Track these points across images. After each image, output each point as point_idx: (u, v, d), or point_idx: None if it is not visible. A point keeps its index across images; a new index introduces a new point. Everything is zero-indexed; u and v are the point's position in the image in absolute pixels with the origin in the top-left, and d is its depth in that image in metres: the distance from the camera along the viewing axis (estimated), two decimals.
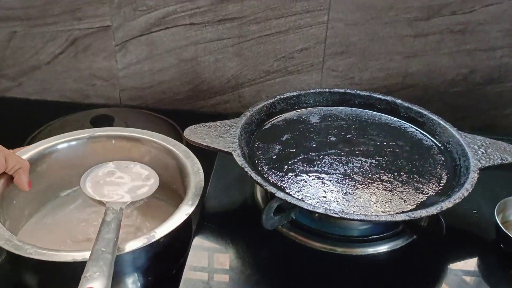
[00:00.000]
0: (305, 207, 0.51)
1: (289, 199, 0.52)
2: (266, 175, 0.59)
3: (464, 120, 0.95)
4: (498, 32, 0.87)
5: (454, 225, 0.60)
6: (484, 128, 0.96)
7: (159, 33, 0.94)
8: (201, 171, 0.65)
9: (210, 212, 0.65)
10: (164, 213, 0.63)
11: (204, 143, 0.60)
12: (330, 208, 0.54)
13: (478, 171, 0.58)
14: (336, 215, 0.51)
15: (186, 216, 0.56)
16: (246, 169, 0.56)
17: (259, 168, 0.60)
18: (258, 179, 0.55)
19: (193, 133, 0.62)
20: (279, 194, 0.53)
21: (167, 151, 0.69)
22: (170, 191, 0.70)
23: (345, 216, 0.51)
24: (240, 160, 0.57)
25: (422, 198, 0.57)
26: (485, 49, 0.89)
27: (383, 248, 0.58)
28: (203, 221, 0.64)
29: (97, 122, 0.89)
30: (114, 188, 0.62)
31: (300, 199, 0.55)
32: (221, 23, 0.92)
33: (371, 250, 0.58)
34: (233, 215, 0.66)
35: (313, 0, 0.88)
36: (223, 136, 0.62)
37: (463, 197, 0.53)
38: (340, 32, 0.90)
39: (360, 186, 0.58)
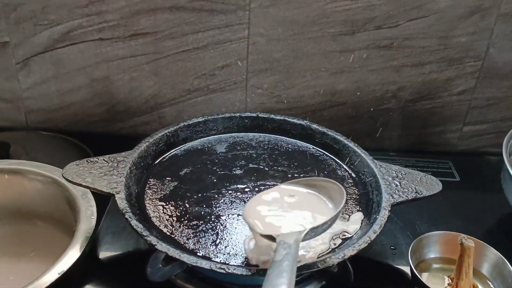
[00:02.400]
0: (187, 261, 0.44)
1: (170, 251, 0.45)
2: (154, 220, 0.52)
3: (395, 139, 0.91)
4: (425, 47, 0.83)
5: (370, 264, 0.54)
6: (416, 145, 0.92)
7: (64, 50, 0.85)
8: (94, 216, 0.58)
9: (100, 258, 0.58)
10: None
11: (84, 184, 0.53)
12: (218, 261, 0.47)
13: (390, 208, 0.52)
14: (222, 271, 0.44)
15: (59, 276, 0.49)
16: (126, 215, 0.49)
17: (147, 211, 0.53)
18: (139, 227, 0.47)
19: (74, 171, 0.54)
20: (160, 246, 0.46)
21: (60, 188, 0.61)
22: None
23: (233, 272, 0.44)
24: (122, 204, 0.50)
25: None
26: (413, 64, 0.85)
27: None
28: (93, 270, 0.56)
29: None
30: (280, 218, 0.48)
31: (187, 249, 0.48)
32: (133, 38, 0.84)
33: None
34: (126, 263, 0.58)
35: (232, 14, 0.82)
36: (109, 174, 0.54)
37: (369, 241, 0.48)
38: (262, 48, 0.84)
39: None
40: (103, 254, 0.59)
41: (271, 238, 0.44)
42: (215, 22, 0.82)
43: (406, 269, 0.56)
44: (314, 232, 0.45)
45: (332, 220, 0.45)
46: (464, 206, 0.68)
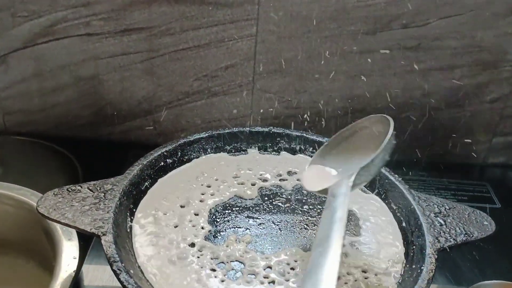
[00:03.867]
0: None
1: None
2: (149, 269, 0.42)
3: (418, 150, 0.82)
4: (457, 49, 0.74)
5: None
6: (440, 157, 0.83)
7: (47, 45, 0.75)
8: (76, 250, 0.49)
9: None
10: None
11: (63, 221, 0.43)
12: None
13: (436, 255, 0.43)
14: None
15: None
16: (114, 266, 0.39)
17: (141, 259, 0.43)
18: (130, 283, 0.38)
19: (51, 203, 0.44)
20: None
21: (36, 215, 0.52)
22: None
23: None
24: (109, 250, 0.40)
25: None
26: (441, 68, 0.76)
27: None
28: None
29: None
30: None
31: None
32: (125, 33, 0.74)
33: None
34: None
35: (238, 8, 0.72)
36: (94, 208, 0.44)
37: None
38: (272, 47, 0.75)
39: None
40: None
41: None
42: (219, 17, 0.73)
43: None
44: (367, 171, 0.43)
45: (384, 152, 0.44)
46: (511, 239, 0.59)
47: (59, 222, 0.43)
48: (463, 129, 0.80)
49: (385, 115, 0.49)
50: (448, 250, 0.45)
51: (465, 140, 0.81)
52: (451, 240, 0.45)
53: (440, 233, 0.45)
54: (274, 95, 0.79)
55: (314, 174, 0.47)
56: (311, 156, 0.57)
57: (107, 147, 0.82)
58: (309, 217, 0.50)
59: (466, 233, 0.45)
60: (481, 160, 0.83)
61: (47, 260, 0.52)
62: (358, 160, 0.44)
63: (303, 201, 0.53)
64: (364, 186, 0.54)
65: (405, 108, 0.79)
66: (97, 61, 0.76)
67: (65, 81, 0.78)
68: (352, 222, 0.50)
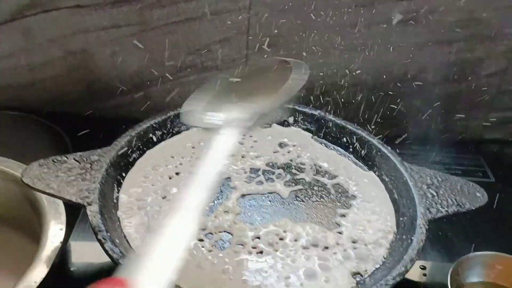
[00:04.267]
0: None
1: None
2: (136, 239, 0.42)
3: (414, 126, 0.81)
4: (454, 23, 0.72)
5: None
6: (438, 133, 0.82)
7: (36, 18, 0.73)
8: (63, 222, 0.48)
9: (73, 271, 0.48)
10: None
11: (48, 191, 0.42)
12: None
13: (427, 226, 0.42)
14: None
15: None
16: (99, 235, 0.38)
17: (127, 229, 0.43)
18: (115, 252, 0.37)
19: (36, 173, 0.43)
20: None
21: (21, 187, 0.51)
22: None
23: None
24: (94, 220, 0.40)
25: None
26: (438, 42, 0.74)
27: None
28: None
29: None
30: None
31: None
32: (115, 6, 0.72)
33: None
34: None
35: None
36: (80, 179, 0.44)
37: (405, 272, 0.38)
38: (266, 21, 0.73)
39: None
40: (76, 266, 0.50)
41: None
42: None
43: None
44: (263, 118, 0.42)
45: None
46: (503, 212, 0.59)
47: (43, 192, 0.43)
48: (459, 104, 0.79)
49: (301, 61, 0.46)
50: (445, 220, 0.44)
51: (461, 115, 0.80)
52: (443, 211, 0.44)
53: (431, 204, 0.45)
54: None
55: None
56: (303, 129, 0.57)
57: (98, 123, 0.81)
58: (299, 189, 0.50)
59: (458, 204, 0.45)
60: (477, 135, 0.82)
61: (35, 231, 0.51)
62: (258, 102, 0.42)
63: (294, 173, 0.52)
64: (356, 157, 0.53)
65: (402, 83, 0.78)
66: (87, 34, 0.75)
67: (54, 55, 0.77)
68: (343, 193, 0.49)
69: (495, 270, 0.46)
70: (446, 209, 0.44)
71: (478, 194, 0.46)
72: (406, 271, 0.38)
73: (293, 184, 0.51)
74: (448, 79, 0.77)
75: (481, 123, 0.81)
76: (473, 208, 0.45)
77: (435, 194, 0.46)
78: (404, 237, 0.43)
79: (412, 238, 0.41)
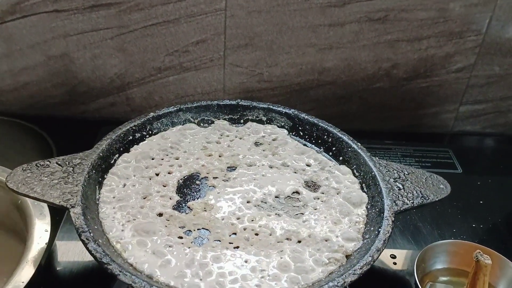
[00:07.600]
0: None
1: (136, 283, 0.37)
2: (117, 238, 0.44)
3: (387, 120, 0.84)
4: (423, 20, 0.75)
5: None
6: (409, 127, 0.85)
7: (15, 24, 0.74)
8: (48, 222, 0.50)
9: (58, 270, 0.50)
10: None
11: (32, 195, 0.44)
12: None
13: (393, 217, 0.45)
14: None
15: None
16: (82, 236, 0.40)
17: (112, 230, 0.44)
18: (98, 252, 0.39)
19: (20, 178, 0.45)
20: (124, 277, 0.38)
21: (6, 191, 0.52)
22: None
23: None
24: (78, 221, 0.42)
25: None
26: (409, 39, 0.77)
27: None
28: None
29: None
30: None
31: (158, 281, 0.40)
32: (94, 10, 0.74)
33: None
34: (89, 275, 0.50)
35: None
36: (63, 182, 0.45)
37: (372, 262, 0.41)
38: (241, 22, 0.75)
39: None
40: (62, 265, 0.52)
41: None
42: None
43: (410, 280, 0.49)
44: None
45: None
46: (469, 202, 0.62)
47: (28, 196, 0.44)
48: (430, 98, 0.82)
49: None
50: (415, 211, 0.46)
51: (433, 110, 0.83)
52: (408, 203, 0.47)
53: (398, 196, 0.47)
54: (245, 69, 0.79)
55: None
56: (279, 126, 0.59)
57: (80, 125, 0.83)
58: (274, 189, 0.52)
59: (422, 196, 0.48)
60: (449, 128, 0.85)
61: (21, 233, 0.53)
62: None
63: (271, 171, 0.54)
64: (329, 154, 0.56)
65: (374, 79, 0.80)
66: (67, 38, 0.76)
67: (35, 60, 0.78)
68: (316, 188, 0.51)
69: (458, 257, 0.49)
70: (411, 201, 0.47)
71: (441, 186, 0.49)
72: (373, 261, 0.41)
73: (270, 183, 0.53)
74: (419, 75, 0.80)
75: (453, 116, 0.84)
76: (437, 200, 0.48)
77: (401, 187, 0.48)
78: (372, 228, 0.46)
79: (379, 229, 0.44)
